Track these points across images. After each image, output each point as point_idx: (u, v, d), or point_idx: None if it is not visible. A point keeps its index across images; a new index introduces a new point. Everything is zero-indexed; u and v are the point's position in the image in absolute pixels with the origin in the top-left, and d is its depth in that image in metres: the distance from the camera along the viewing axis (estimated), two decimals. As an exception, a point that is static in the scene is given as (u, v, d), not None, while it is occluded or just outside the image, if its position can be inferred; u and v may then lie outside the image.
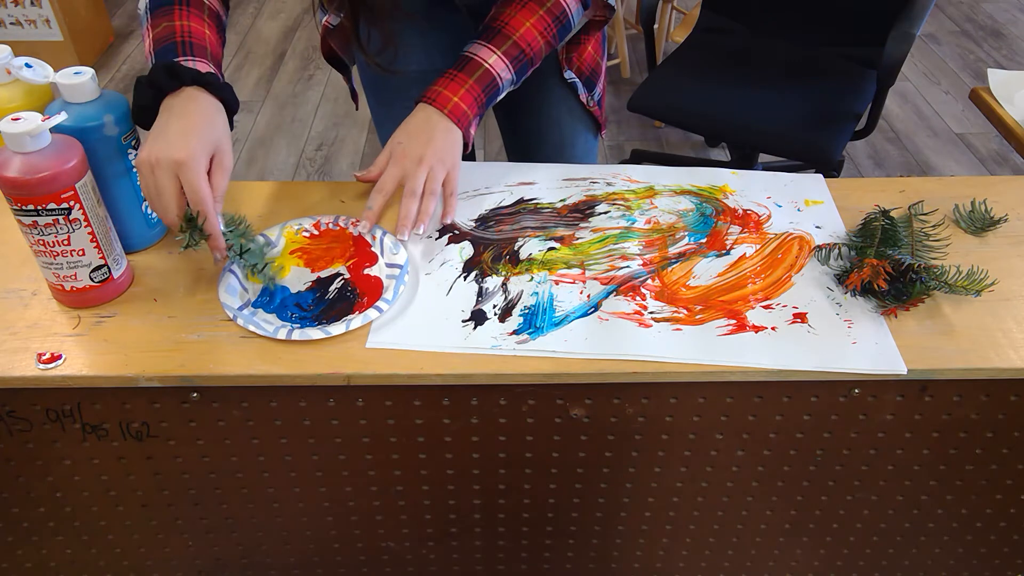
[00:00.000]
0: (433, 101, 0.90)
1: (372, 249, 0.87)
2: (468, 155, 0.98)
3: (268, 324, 0.77)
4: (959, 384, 0.78)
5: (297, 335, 0.76)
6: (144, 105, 0.79)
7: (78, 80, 0.75)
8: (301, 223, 0.90)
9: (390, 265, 0.84)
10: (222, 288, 0.81)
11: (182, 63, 0.80)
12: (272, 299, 0.82)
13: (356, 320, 0.77)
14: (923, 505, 0.92)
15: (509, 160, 1.24)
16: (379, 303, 0.79)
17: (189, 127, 0.76)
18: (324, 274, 0.84)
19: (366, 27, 0.91)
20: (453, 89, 0.90)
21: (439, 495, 0.90)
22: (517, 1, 0.94)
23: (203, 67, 0.82)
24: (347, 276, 0.84)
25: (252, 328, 0.77)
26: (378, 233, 0.87)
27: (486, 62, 0.91)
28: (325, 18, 1.03)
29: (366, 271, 0.84)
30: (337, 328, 0.76)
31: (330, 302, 0.81)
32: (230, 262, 0.82)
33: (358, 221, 0.89)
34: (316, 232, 0.89)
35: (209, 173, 0.77)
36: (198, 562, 0.99)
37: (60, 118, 0.72)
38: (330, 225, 0.90)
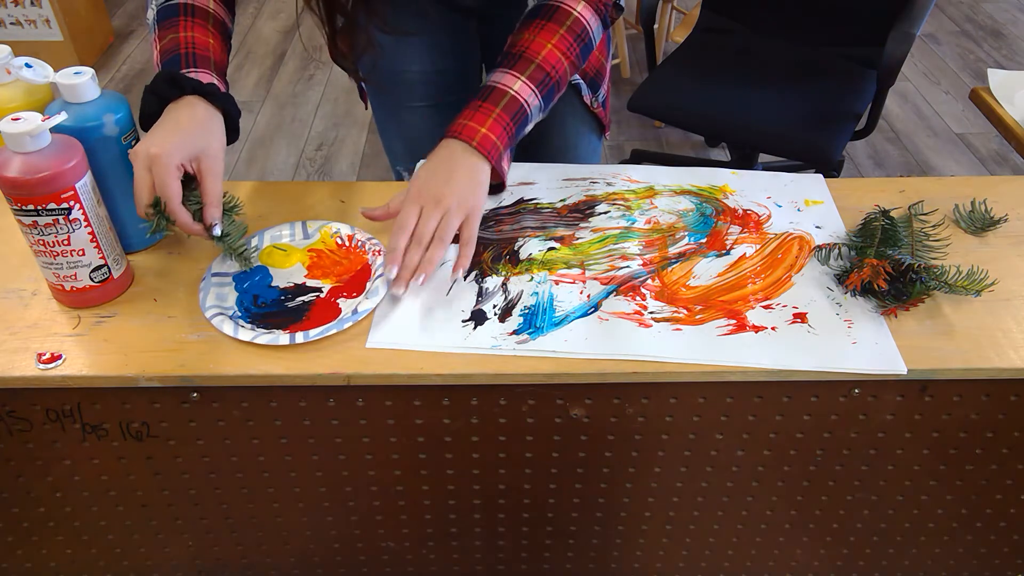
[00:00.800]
0: (459, 134, 0.85)
1: (367, 283, 0.83)
2: (500, 188, 0.95)
3: (214, 299, 0.79)
4: (959, 384, 0.78)
5: (215, 322, 0.77)
6: (150, 112, 0.81)
7: (78, 80, 0.75)
8: (340, 229, 0.89)
9: (355, 308, 0.79)
10: (220, 255, 0.83)
11: (183, 72, 0.82)
12: (247, 279, 0.83)
13: (265, 337, 0.75)
14: (923, 505, 0.92)
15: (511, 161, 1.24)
16: (298, 333, 0.76)
17: (176, 128, 0.78)
18: (309, 283, 0.84)
19: (351, 38, 0.90)
20: (479, 120, 0.85)
21: (439, 495, 0.90)
22: (534, 25, 0.90)
23: (205, 77, 0.83)
24: (321, 295, 0.82)
25: (200, 295, 0.79)
26: (397, 292, 0.81)
27: (511, 89, 0.87)
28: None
29: (340, 300, 0.82)
30: (245, 335, 0.75)
31: (282, 310, 0.80)
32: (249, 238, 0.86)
33: (381, 251, 0.86)
34: (346, 244, 0.88)
35: (200, 180, 0.79)
36: (198, 562, 0.99)
37: (60, 118, 0.72)
38: (359, 243, 0.88)
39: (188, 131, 0.79)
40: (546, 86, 0.89)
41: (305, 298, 0.82)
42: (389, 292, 0.81)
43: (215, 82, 0.84)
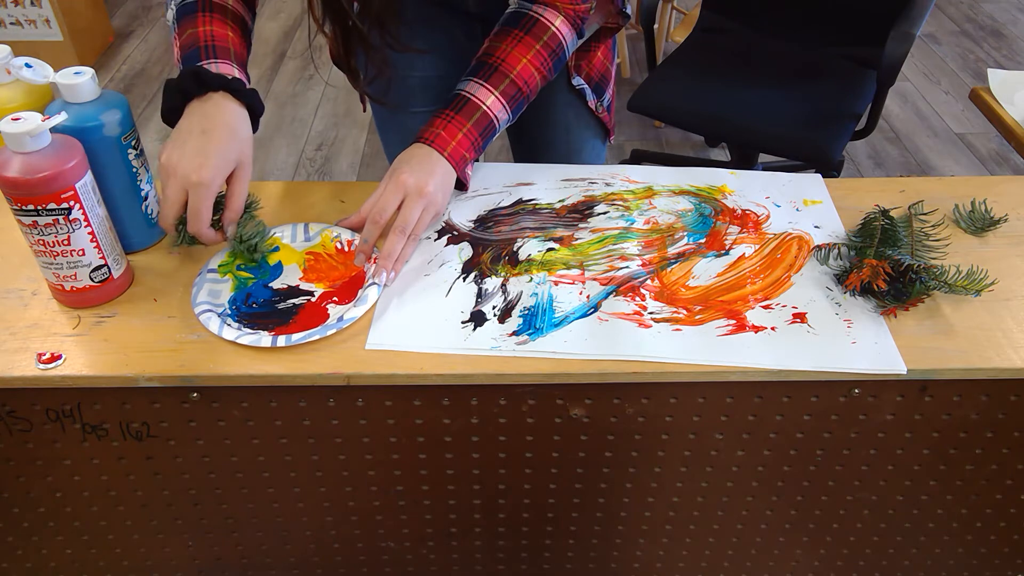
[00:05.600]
0: (432, 143, 0.87)
1: (359, 290, 0.82)
2: (460, 188, 0.96)
3: (206, 295, 0.80)
4: (959, 384, 0.78)
5: (203, 319, 0.77)
6: (172, 107, 0.80)
7: (78, 80, 0.75)
8: (341, 233, 0.88)
9: (341, 316, 0.79)
10: (220, 251, 0.84)
11: (208, 67, 0.80)
12: (263, 274, 0.84)
13: (248, 338, 0.75)
14: (923, 505, 0.92)
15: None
16: (280, 336, 0.75)
17: (210, 144, 0.77)
18: (303, 286, 0.83)
19: (362, 55, 0.90)
20: (451, 132, 0.87)
21: (439, 495, 0.90)
22: (512, 36, 0.91)
23: (226, 68, 0.82)
24: (312, 300, 0.82)
25: (194, 290, 0.80)
26: (379, 280, 0.82)
27: (484, 104, 0.88)
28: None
29: (329, 305, 0.81)
30: (230, 334, 0.75)
31: (272, 311, 0.80)
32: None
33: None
34: (345, 249, 0.87)
35: (230, 186, 0.79)
36: (198, 562, 0.99)
37: (60, 118, 0.72)
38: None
39: (225, 146, 0.77)
40: (516, 100, 0.91)
41: (296, 301, 0.82)
42: (373, 282, 0.81)
43: (239, 76, 0.83)
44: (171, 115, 0.81)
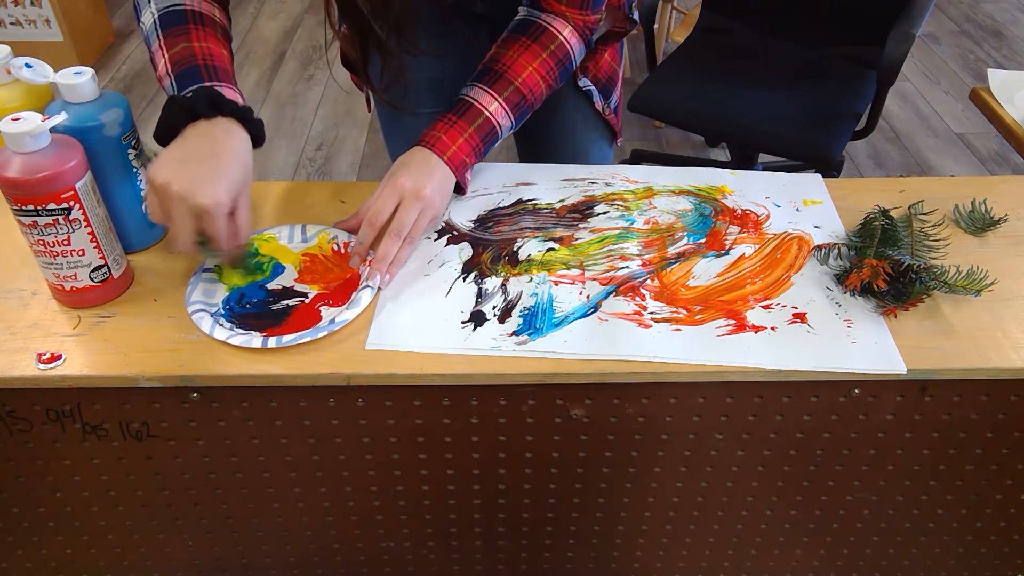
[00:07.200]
0: (432, 146, 0.87)
1: (352, 292, 0.82)
2: (458, 191, 0.95)
3: (200, 295, 0.80)
4: (959, 384, 0.78)
5: (195, 318, 0.77)
6: (175, 126, 0.77)
7: (78, 80, 0.75)
8: (338, 235, 0.88)
9: (332, 318, 0.78)
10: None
11: (218, 90, 0.78)
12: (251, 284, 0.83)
13: (239, 339, 0.75)
14: (923, 505, 0.92)
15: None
16: (271, 337, 0.75)
17: (218, 170, 0.74)
18: (298, 287, 0.83)
19: (377, 61, 0.89)
20: (452, 136, 0.87)
21: (439, 495, 0.90)
22: (519, 43, 0.90)
23: (231, 94, 0.80)
24: (305, 301, 0.82)
25: (188, 289, 0.80)
26: (373, 283, 0.81)
27: (487, 110, 0.88)
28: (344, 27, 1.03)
29: (322, 307, 0.81)
30: (221, 334, 0.75)
31: (265, 312, 0.80)
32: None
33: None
34: (342, 251, 0.87)
35: (234, 213, 0.77)
36: (198, 562, 0.99)
37: (60, 118, 0.72)
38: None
39: (231, 171, 0.75)
40: (520, 108, 0.91)
41: (289, 302, 0.81)
42: (367, 285, 0.81)
43: (245, 103, 0.81)
44: (169, 135, 0.78)
